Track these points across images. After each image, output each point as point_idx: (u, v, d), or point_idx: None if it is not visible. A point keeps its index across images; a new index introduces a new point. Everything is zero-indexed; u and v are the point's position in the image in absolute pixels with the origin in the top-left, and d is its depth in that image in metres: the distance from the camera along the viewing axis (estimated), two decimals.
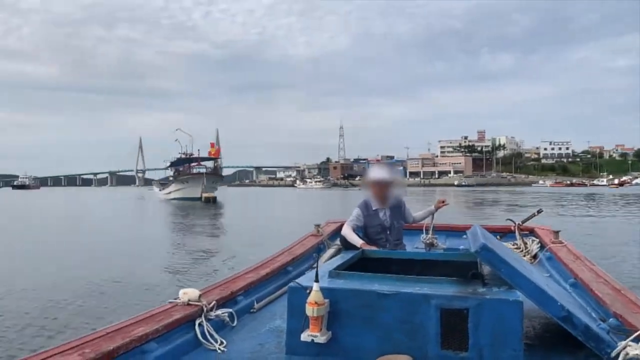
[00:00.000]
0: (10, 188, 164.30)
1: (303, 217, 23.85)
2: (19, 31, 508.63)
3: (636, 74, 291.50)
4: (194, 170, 55.86)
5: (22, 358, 1.97)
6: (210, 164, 58.84)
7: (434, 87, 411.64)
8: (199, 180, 51.51)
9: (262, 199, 59.36)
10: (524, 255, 4.61)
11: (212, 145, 61.70)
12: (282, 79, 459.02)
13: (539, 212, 5.45)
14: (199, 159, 58.11)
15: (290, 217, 27.90)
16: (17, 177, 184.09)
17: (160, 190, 63.35)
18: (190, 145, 61.02)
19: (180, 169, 58.45)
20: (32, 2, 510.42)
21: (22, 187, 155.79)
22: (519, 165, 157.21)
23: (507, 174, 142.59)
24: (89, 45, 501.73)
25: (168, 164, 62.80)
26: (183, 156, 59.50)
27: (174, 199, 52.51)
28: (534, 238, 5.10)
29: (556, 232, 4.75)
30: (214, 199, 47.88)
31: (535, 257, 4.65)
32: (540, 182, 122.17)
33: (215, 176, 55.38)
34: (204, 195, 48.87)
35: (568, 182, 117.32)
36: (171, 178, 61.58)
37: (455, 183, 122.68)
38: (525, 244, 4.90)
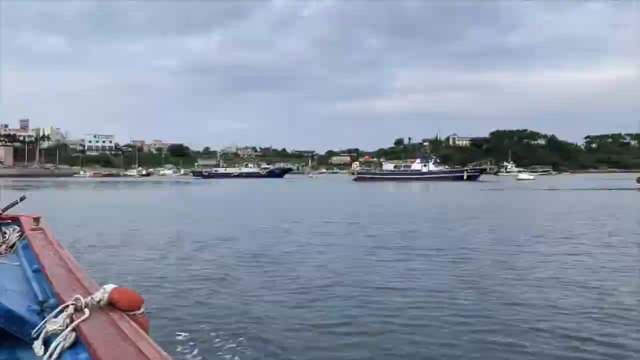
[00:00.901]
0: None
1: None
2: None
3: (177, 73, 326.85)
4: None
5: None
6: None
7: None
8: None
9: None
10: (1, 246, 4.36)
11: None
12: None
13: (22, 199, 5.26)
14: None
15: None
16: None
17: None
18: None
19: None
20: None
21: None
22: (64, 156, 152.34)
23: (52, 165, 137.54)
24: None
25: None
26: None
27: None
28: (16, 227, 4.91)
29: (37, 219, 4.68)
30: None
31: (13, 247, 4.46)
32: (82, 172, 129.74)
33: None
34: None
35: (106, 172, 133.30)
36: None
37: None
38: (5, 233, 4.66)
